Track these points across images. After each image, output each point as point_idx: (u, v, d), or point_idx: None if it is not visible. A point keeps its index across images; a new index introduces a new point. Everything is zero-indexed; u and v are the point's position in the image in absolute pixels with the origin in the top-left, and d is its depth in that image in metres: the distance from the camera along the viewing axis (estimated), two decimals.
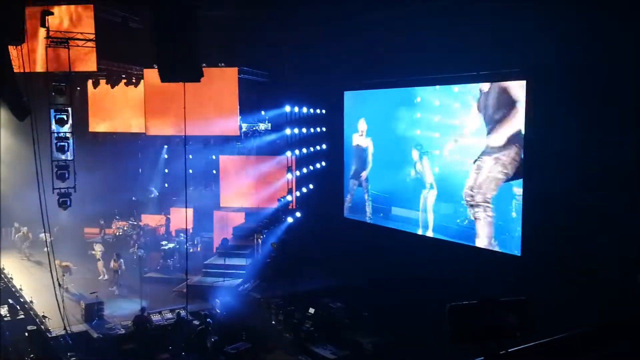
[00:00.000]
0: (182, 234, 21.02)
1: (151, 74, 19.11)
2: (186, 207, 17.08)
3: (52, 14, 15.04)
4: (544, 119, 12.42)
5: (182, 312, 15.40)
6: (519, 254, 13.41)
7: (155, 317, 15.50)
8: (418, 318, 13.76)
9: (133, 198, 25.25)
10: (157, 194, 25.20)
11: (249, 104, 20.11)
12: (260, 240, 19.59)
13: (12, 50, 12.61)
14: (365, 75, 16.91)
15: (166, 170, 25.11)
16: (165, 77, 10.45)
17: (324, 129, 19.85)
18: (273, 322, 16.09)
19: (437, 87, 15.35)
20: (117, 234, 23.67)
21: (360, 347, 14.21)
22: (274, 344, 15.04)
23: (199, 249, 21.78)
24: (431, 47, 13.83)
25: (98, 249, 20.06)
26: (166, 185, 25.27)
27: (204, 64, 11.49)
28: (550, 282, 11.72)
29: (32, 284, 17.95)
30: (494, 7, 12.72)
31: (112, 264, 18.66)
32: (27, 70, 13.02)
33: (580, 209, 11.39)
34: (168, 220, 23.73)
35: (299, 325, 15.19)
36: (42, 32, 15.74)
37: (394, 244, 16.42)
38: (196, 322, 15.29)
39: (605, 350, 2.43)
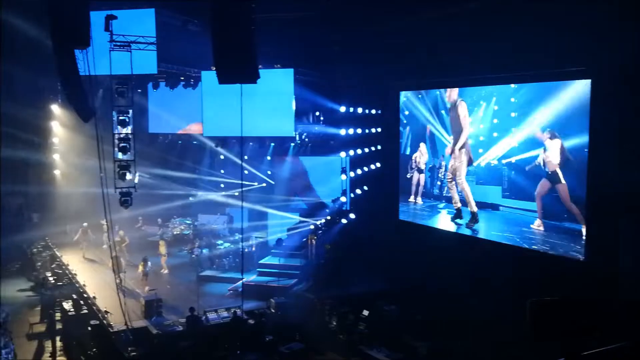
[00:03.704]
0: (237, 234, 21.35)
1: (209, 76, 19.47)
2: (242, 207, 17.29)
3: (116, 18, 15.50)
4: (610, 120, 11.93)
5: (238, 311, 15.60)
6: (583, 258, 12.94)
7: (212, 315, 15.76)
8: (473, 322, 13.48)
9: (190, 198, 25.85)
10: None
11: (304, 105, 20.18)
12: (314, 242, 19.64)
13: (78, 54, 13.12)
14: (421, 75, 16.66)
15: (222, 171, 25.54)
16: (222, 79, 10.62)
17: (379, 130, 19.70)
18: (330, 324, 16.06)
19: None
20: (175, 233, 24.30)
21: (415, 350, 14.03)
22: (328, 345, 15.03)
23: (253, 248, 22.04)
24: (491, 45, 13.47)
25: (163, 245, 20.68)
26: (222, 185, 25.70)
27: (261, 66, 11.56)
28: (616, 288, 11.23)
29: (95, 281, 18.58)
30: (558, 1, 12.29)
31: (140, 267, 19.11)
32: (91, 73, 13.45)
33: None
34: (231, 218, 24.13)
35: (353, 327, 15.13)
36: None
37: (448, 247, 16.13)
38: (251, 321, 15.47)
39: None
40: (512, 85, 14.56)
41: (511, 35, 13.02)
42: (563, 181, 13.36)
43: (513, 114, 14.51)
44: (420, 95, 17.60)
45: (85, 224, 22.68)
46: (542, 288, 12.16)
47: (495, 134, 15.05)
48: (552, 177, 13.61)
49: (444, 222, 17.02)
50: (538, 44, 12.71)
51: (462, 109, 16.04)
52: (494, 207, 15.29)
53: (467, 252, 15.60)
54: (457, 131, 16.34)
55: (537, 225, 14.06)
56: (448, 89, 16.45)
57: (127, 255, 20.51)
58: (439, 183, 17.15)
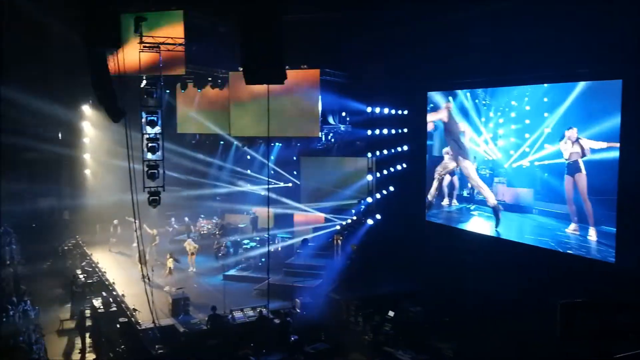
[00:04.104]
0: (263, 234, 21.43)
1: (236, 77, 19.59)
2: (268, 207, 17.35)
3: (145, 20, 15.69)
4: None
5: (264, 310, 15.65)
6: (613, 261, 12.68)
7: (238, 314, 15.84)
8: (500, 324, 13.29)
9: (217, 198, 26.04)
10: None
11: (330, 105, 20.16)
12: (340, 242, 19.59)
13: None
14: (449, 75, 16.50)
15: (248, 171, 25.66)
16: (250, 80, 10.65)
17: (405, 130, 19.58)
18: (355, 325, 16.01)
19: None
20: (202, 232, 24.51)
21: (440, 352, 13.91)
22: (353, 346, 14.98)
23: (279, 248, 22.09)
24: (521, 45, 13.30)
25: (190, 244, 20.90)
26: (248, 185, 25.80)
27: (287, 66, 11.60)
28: None
29: (124, 278, 18.85)
30: (588, 1, 12.09)
31: (168, 263, 19.36)
32: (120, 73, 13.64)
33: None
34: (256, 218, 24.24)
35: (379, 328, 15.06)
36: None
37: (475, 248, 15.98)
38: (277, 321, 15.50)
39: None
40: (545, 85, 14.34)
41: (541, 35, 12.85)
42: (583, 171, 13.27)
43: (546, 114, 14.28)
44: (449, 97, 17.45)
45: (115, 221, 23.21)
46: (572, 290, 11.95)
47: (526, 135, 14.84)
48: (573, 168, 13.49)
49: (473, 224, 16.85)
50: (569, 43, 12.52)
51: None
52: (527, 209, 15.07)
53: (495, 252, 15.41)
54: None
55: (573, 229, 13.81)
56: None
57: (155, 255, 20.79)
58: (469, 185, 16.99)
